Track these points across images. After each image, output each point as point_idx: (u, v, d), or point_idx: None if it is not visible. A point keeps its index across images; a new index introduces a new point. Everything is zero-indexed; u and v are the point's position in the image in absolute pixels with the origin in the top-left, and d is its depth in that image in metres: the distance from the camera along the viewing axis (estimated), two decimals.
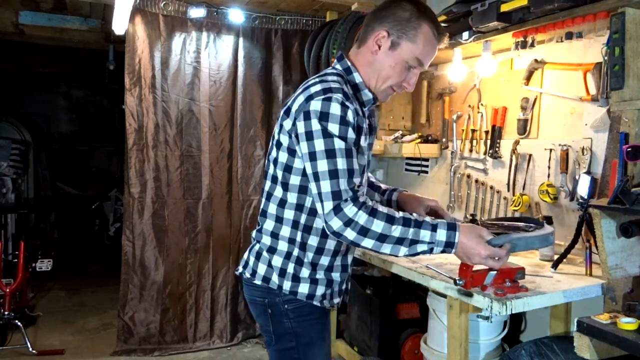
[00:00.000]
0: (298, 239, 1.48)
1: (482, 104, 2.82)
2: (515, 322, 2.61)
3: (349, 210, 1.31)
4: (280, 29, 3.71)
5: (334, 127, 1.34)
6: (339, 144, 1.34)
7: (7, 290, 3.55)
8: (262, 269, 1.52)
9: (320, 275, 1.51)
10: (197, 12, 3.43)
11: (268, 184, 1.52)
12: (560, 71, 2.37)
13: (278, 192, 1.49)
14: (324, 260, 1.51)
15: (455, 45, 2.55)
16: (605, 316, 1.53)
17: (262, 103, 3.69)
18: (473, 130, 2.87)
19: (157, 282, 3.49)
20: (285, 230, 1.49)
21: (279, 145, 1.46)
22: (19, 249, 3.90)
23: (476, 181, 2.86)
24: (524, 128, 2.54)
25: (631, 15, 1.75)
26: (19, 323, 3.52)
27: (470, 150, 2.90)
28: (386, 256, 1.41)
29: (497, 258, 1.41)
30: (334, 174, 1.32)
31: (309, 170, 1.37)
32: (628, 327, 1.45)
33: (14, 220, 5.01)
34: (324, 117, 1.34)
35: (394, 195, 1.79)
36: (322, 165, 1.33)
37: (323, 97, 1.35)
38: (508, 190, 2.62)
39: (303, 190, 1.45)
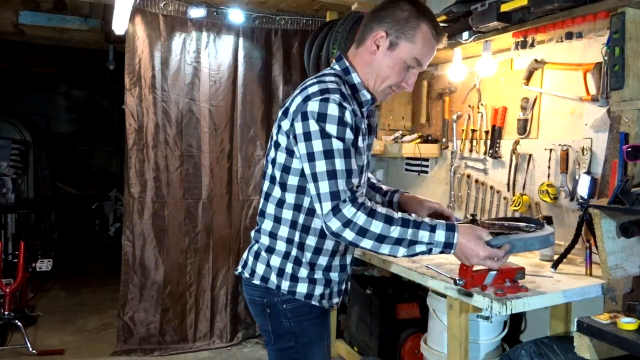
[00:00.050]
0: (296, 239, 1.48)
1: (482, 104, 2.82)
2: (515, 322, 2.61)
3: (348, 210, 1.31)
4: (280, 29, 3.71)
5: (331, 128, 1.34)
6: (336, 144, 1.34)
7: (7, 290, 3.55)
8: (260, 268, 1.53)
9: (318, 275, 1.51)
10: (197, 12, 3.43)
11: (266, 184, 1.53)
12: (560, 71, 2.37)
13: (276, 192, 1.49)
14: (322, 260, 1.51)
15: (455, 45, 2.55)
16: (605, 316, 1.53)
17: (262, 103, 3.69)
18: (473, 130, 2.87)
19: (157, 282, 3.49)
20: (284, 230, 1.49)
21: (277, 145, 1.46)
22: (19, 249, 3.90)
23: (476, 181, 2.86)
24: (524, 128, 2.54)
25: (631, 15, 1.75)
26: (19, 323, 3.52)
27: (470, 150, 2.90)
28: (386, 256, 1.41)
29: (496, 259, 1.41)
30: (332, 175, 1.33)
31: (307, 171, 1.37)
32: (628, 327, 1.45)
33: (14, 220, 5.01)
34: (321, 117, 1.34)
35: (395, 197, 1.79)
36: (321, 165, 1.33)
37: (320, 97, 1.35)
38: (508, 190, 2.62)
39: (301, 190, 1.45)
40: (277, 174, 1.47)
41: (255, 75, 3.67)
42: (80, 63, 6.51)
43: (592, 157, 2.20)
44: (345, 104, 1.36)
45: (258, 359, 3.47)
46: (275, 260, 1.50)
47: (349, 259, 1.60)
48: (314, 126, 1.34)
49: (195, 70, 3.53)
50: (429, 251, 1.36)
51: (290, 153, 1.43)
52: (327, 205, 1.32)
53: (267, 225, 1.52)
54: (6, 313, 3.48)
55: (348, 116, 1.36)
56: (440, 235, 1.35)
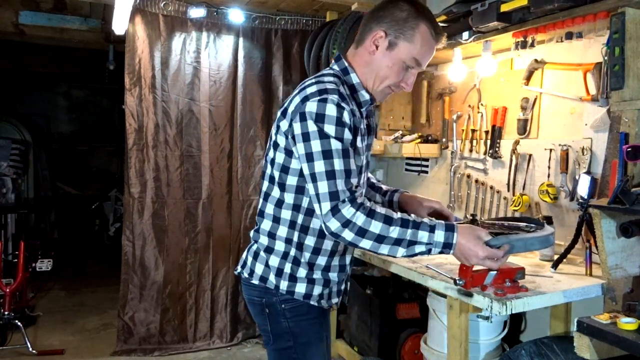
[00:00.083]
0: (295, 239, 1.48)
1: (482, 104, 2.82)
2: (515, 322, 2.61)
3: (347, 211, 1.31)
4: (280, 29, 3.71)
5: (330, 128, 1.34)
6: (335, 144, 1.34)
7: (7, 290, 3.55)
8: (259, 268, 1.53)
9: (317, 275, 1.51)
10: (197, 12, 3.43)
11: (265, 184, 1.53)
12: (560, 71, 2.37)
13: (275, 192, 1.49)
14: (321, 260, 1.51)
15: (455, 45, 2.54)
16: (605, 316, 1.53)
17: (262, 103, 3.69)
18: (473, 130, 2.87)
19: (157, 282, 3.49)
20: (282, 231, 1.49)
21: (275, 146, 1.46)
22: (19, 249, 3.90)
23: (476, 181, 2.86)
24: (524, 128, 2.54)
25: (631, 15, 1.75)
26: (19, 323, 3.52)
27: (470, 150, 2.90)
28: (385, 256, 1.41)
29: (495, 259, 1.41)
30: (331, 175, 1.33)
31: (306, 172, 1.37)
32: (628, 327, 1.45)
33: (14, 220, 5.01)
34: (319, 118, 1.34)
35: (395, 197, 1.79)
36: (319, 166, 1.33)
37: (319, 98, 1.35)
38: (508, 190, 2.62)
39: (300, 190, 1.45)
40: (276, 174, 1.47)
41: (255, 75, 3.67)
42: (80, 63, 6.51)
43: (592, 157, 2.20)
44: (343, 104, 1.36)
45: (258, 359, 3.47)
46: (274, 260, 1.50)
47: (348, 259, 1.60)
48: (312, 127, 1.34)
49: (195, 70, 3.53)
50: (428, 251, 1.36)
51: (289, 153, 1.43)
52: (326, 206, 1.32)
53: (266, 225, 1.52)
54: (6, 313, 3.48)
55: (346, 116, 1.36)
56: (439, 236, 1.35)
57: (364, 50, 1.49)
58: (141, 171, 3.43)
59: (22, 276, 3.77)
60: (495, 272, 1.60)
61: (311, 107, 1.35)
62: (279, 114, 1.47)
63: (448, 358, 1.98)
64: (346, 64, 1.51)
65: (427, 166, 3.33)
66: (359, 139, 1.43)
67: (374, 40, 1.46)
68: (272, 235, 1.51)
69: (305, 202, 1.46)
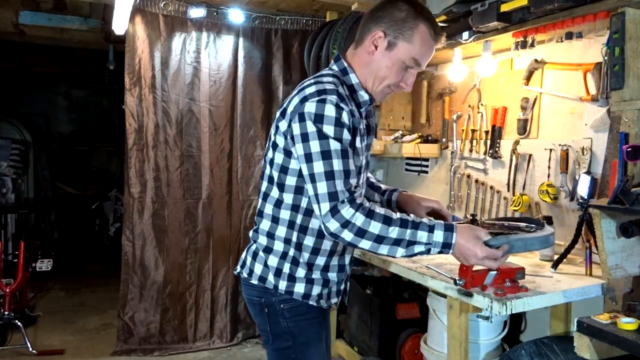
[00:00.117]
0: (294, 239, 1.48)
1: (482, 104, 2.82)
2: (515, 322, 2.61)
3: (346, 211, 1.31)
4: (280, 29, 3.71)
5: (328, 129, 1.34)
6: (334, 145, 1.34)
7: (7, 290, 3.55)
8: (258, 268, 1.53)
9: (316, 275, 1.51)
10: (197, 12, 3.43)
11: (264, 184, 1.53)
12: (560, 71, 2.37)
13: (274, 192, 1.49)
14: (320, 260, 1.51)
15: (455, 45, 2.54)
16: (605, 316, 1.53)
17: (262, 103, 3.69)
18: (473, 130, 2.87)
19: (157, 282, 3.49)
20: (281, 231, 1.49)
21: (274, 146, 1.46)
22: (19, 249, 3.90)
23: (476, 181, 2.86)
24: (524, 128, 2.54)
25: (631, 15, 1.75)
26: (19, 323, 3.52)
27: (470, 150, 2.90)
28: (385, 256, 1.41)
29: (494, 259, 1.41)
30: (330, 175, 1.33)
31: (305, 172, 1.37)
32: (628, 327, 1.45)
33: (14, 220, 5.01)
34: (318, 119, 1.34)
35: (394, 196, 1.79)
36: (318, 166, 1.33)
37: (317, 98, 1.35)
38: (508, 190, 2.62)
39: (299, 190, 1.45)
40: (275, 175, 1.47)
41: (255, 75, 3.67)
42: (80, 63, 6.51)
43: (592, 157, 2.20)
44: (342, 105, 1.36)
45: (258, 359, 3.47)
46: (273, 260, 1.50)
47: (347, 259, 1.60)
48: (311, 127, 1.34)
49: (195, 70, 3.53)
50: (428, 251, 1.36)
51: (288, 154, 1.43)
52: (326, 206, 1.32)
53: (265, 225, 1.52)
54: (6, 313, 3.48)
55: (345, 117, 1.36)
56: (438, 236, 1.35)
57: (363, 51, 1.49)
58: (141, 171, 3.43)
59: (22, 276, 3.77)
60: (495, 272, 1.61)
61: (310, 107, 1.35)
62: (278, 114, 1.47)
63: (448, 358, 1.98)
64: (345, 64, 1.51)
65: (427, 166, 3.33)
66: (358, 139, 1.43)
67: (373, 41, 1.46)
68: (271, 235, 1.51)
69: (304, 203, 1.46)
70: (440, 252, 1.38)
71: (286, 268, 1.49)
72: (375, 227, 1.32)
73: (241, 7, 3.56)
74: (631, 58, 1.75)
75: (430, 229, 1.35)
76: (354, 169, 1.38)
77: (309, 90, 1.38)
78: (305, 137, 1.35)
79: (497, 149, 2.69)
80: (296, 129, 1.36)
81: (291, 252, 1.49)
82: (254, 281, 1.53)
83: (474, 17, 2.29)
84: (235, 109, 3.63)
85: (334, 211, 1.32)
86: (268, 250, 1.51)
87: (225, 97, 3.60)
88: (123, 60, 3.42)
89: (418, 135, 3.21)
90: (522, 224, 1.66)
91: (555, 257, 2.06)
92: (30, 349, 3.42)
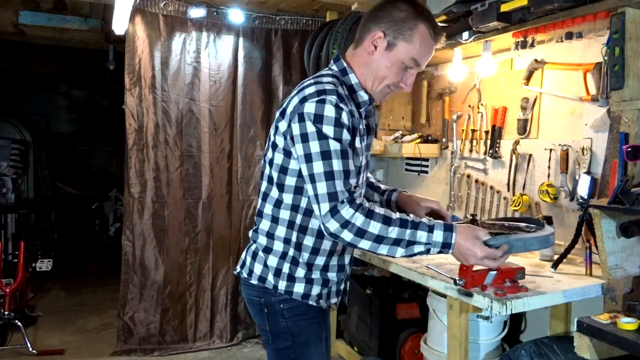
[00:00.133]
0: (293, 239, 1.48)
1: (482, 104, 2.82)
2: (515, 322, 2.61)
3: (346, 212, 1.31)
4: (280, 29, 3.71)
5: (328, 129, 1.34)
6: (334, 145, 1.34)
7: (7, 290, 3.55)
8: (258, 268, 1.53)
9: (316, 275, 1.51)
10: (197, 12, 3.43)
11: (264, 184, 1.53)
12: (560, 71, 2.37)
13: (274, 192, 1.49)
14: (320, 260, 1.51)
15: (455, 45, 2.54)
16: (605, 316, 1.53)
17: (262, 103, 3.69)
18: (473, 130, 2.87)
19: (157, 282, 3.49)
20: (281, 231, 1.49)
21: (274, 146, 1.46)
22: (19, 249, 3.90)
23: (476, 181, 2.86)
24: (524, 128, 2.54)
25: (631, 15, 1.75)
26: (19, 323, 3.52)
27: (470, 150, 2.90)
28: (385, 256, 1.41)
29: (494, 259, 1.41)
30: (329, 176, 1.33)
31: (305, 172, 1.37)
32: (628, 327, 1.45)
33: (14, 220, 5.01)
34: (318, 119, 1.34)
35: (393, 196, 1.79)
36: (318, 167, 1.33)
37: (317, 99, 1.35)
38: (508, 190, 2.62)
39: (298, 191, 1.45)
40: (275, 175, 1.47)
41: (255, 75, 3.67)
42: (80, 63, 6.51)
43: (592, 157, 2.20)
44: (341, 105, 1.36)
45: (258, 359, 3.47)
46: (273, 260, 1.50)
47: (347, 259, 1.60)
48: (310, 127, 1.34)
49: (195, 70, 3.53)
50: (427, 251, 1.36)
51: (287, 154, 1.43)
52: (325, 206, 1.32)
53: (265, 225, 1.52)
54: (6, 313, 3.48)
55: (345, 117, 1.36)
56: (438, 236, 1.35)
57: (363, 51, 1.49)
58: (141, 171, 3.43)
59: (22, 276, 3.77)
60: (495, 272, 1.61)
61: (309, 107, 1.35)
62: (277, 114, 1.47)
63: (448, 358, 1.98)
64: (345, 65, 1.51)
65: (427, 166, 3.33)
66: (357, 139, 1.43)
67: (373, 41, 1.46)
68: (270, 235, 1.51)
69: (303, 203, 1.46)
70: (439, 252, 1.38)
71: (286, 268, 1.49)
72: (374, 227, 1.32)
73: (241, 7, 3.56)
74: (631, 58, 1.75)
75: (430, 229, 1.35)
76: (353, 169, 1.38)
77: (309, 91, 1.38)
78: (304, 138, 1.35)
79: (497, 149, 2.69)
80: (296, 129, 1.36)
81: (291, 252, 1.49)
82: (254, 281, 1.53)
83: (474, 17, 2.29)
84: (235, 109, 3.63)
85: (334, 211, 1.32)
86: (268, 250, 1.51)
87: (225, 97, 3.60)
88: (123, 60, 3.42)
89: (418, 135, 3.21)
90: (522, 224, 1.66)
91: (555, 257, 2.06)
92: (30, 349, 3.42)
